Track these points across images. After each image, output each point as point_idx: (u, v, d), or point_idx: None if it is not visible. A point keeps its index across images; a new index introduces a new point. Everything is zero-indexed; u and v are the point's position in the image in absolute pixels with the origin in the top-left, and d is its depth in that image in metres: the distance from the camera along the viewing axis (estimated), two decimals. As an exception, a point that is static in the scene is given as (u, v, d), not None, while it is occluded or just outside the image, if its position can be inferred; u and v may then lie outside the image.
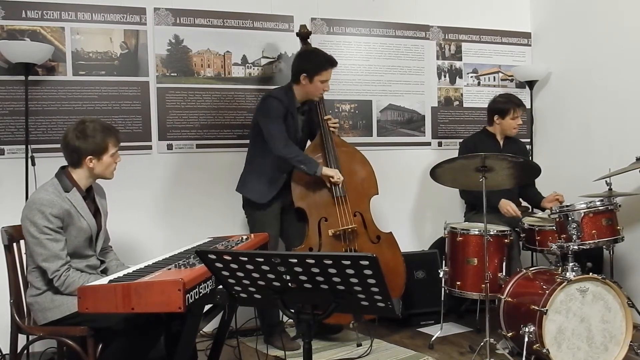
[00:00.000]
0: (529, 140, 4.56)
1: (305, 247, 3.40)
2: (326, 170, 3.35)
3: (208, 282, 2.08)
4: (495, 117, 3.86)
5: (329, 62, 3.39)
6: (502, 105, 3.83)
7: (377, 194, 3.61)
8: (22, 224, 2.43)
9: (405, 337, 3.66)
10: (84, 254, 2.53)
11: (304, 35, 3.69)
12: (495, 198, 3.58)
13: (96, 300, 1.95)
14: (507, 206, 3.64)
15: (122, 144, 2.65)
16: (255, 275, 1.71)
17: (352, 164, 3.58)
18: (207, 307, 2.38)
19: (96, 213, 2.61)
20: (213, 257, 1.72)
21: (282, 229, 3.55)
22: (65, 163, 2.57)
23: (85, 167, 2.52)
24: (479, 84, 4.60)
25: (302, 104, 3.52)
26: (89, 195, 2.60)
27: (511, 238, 3.44)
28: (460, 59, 4.55)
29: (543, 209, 3.80)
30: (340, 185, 3.42)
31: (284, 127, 3.34)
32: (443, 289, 3.52)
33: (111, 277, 2.12)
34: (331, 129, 3.55)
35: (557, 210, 3.22)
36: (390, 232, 3.61)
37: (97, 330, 2.36)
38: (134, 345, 2.38)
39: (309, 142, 3.65)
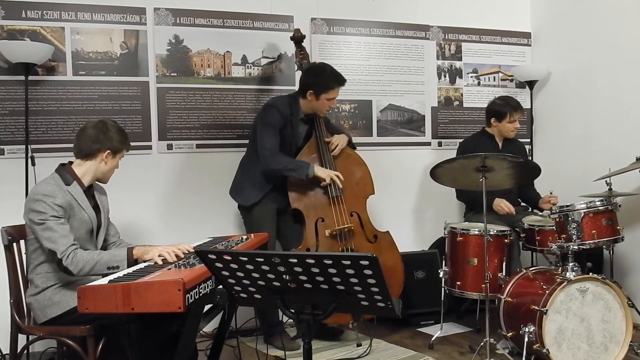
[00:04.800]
0: (528, 140, 4.56)
1: (302, 248, 3.39)
2: (317, 172, 3.35)
3: (208, 282, 2.09)
4: (492, 120, 3.86)
5: (337, 81, 3.38)
6: (499, 109, 3.83)
7: (374, 193, 3.61)
8: (25, 217, 2.43)
9: (405, 337, 3.66)
10: (85, 248, 2.52)
11: (297, 39, 3.66)
12: (489, 198, 3.58)
13: (96, 300, 1.96)
14: (500, 204, 3.65)
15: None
16: (255, 275, 1.71)
17: (348, 164, 3.56)
18: (207, 307, 2.38)
19: (95, 209, 2.61)
20: (213, 257, 1.72)
21: (279, 231, 3.54)
22: (64, 162, 2.57)
23: (98, 160, 2.55)
24: (479, 84, 4.60)
25: (307, 114, 3.51)
26: (89, 191, 2.61)
27: (511, 238, 3.44)
28: (460, 59, 4.55)
29: (541, 210, 3.81)
30: (335, 185, 3.41)
31: (277, 139, 3.35)
32: (443, 289, 3.52)
33: (111, 277, 2.12)
34: (333, 153, 3.48)
35: (557, 210, 3.22)
36: (388, 231, 3.59)
37: (98, 327, 2.36)
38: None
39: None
